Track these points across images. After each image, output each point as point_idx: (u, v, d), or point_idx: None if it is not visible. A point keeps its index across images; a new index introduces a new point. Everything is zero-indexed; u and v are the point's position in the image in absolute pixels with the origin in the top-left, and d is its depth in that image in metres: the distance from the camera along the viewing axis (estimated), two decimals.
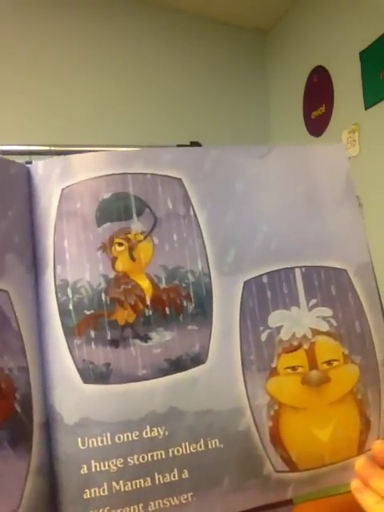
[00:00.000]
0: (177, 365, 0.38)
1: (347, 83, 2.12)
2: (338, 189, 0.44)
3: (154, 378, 0.37)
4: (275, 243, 0.41)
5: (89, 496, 0.35)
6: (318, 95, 2.22)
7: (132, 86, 2.30)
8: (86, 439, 0.36)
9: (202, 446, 0.37)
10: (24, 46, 2.11)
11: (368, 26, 2.00)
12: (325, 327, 0.41)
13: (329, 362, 0.41)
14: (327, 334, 0.41)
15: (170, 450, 0.37)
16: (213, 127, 2.23)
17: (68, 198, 0.39)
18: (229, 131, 2.24)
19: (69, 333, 0.37)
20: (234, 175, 0.42)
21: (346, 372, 0.41)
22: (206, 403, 0.38)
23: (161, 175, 0.40)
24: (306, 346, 0.40)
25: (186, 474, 0.37)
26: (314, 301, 0.41)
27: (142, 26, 2.38)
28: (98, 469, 0.36)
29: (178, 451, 0.37)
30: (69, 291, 0.38)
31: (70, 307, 0.37)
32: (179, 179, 0.40)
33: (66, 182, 0.39)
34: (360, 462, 0.39)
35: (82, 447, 0.36)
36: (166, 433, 0.37)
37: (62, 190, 0.39)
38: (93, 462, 0.36)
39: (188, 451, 0.37)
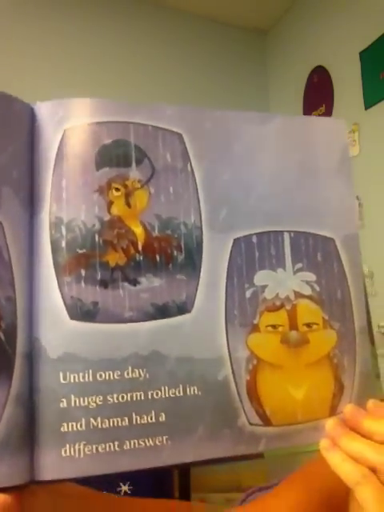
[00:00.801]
0: (163, 311, 0.39)
1: (347, 83, 2.14)
2: (333, 161, 0.46)
3: (140, 321, 0.38)
4: (267, 206, 0.43)
5: (66, 430, 0.36)
6: (318, 95, 2.24)
7: (132, 85, 2.32)
8: (67, 374, 0.36)
9: (181, 391, 0.38)
10: (24, 45, 2.11)
11: (368, 26, 2.04)
12: (307, 291, 0.43)
13: (308, 325, 0.42)
14: (309, 297, 0.43)
15: (150, 393, 0.37)
16: None
17: (69, 140, 0.39)
18: None
19: (59, 269, 0.38)
20: (233, 137, 0.43)
21: (324, 336, 0.43)
22: (187, 350, 0.39)
23: (162, 128, 0.41)
24: (287, 307, 0.42)
25: (163, 418, 0.37)
26: (299, 265, 0.43)
27: (142, 25, 2.40)
28: (77, 404, 0.36)
29: (157, 394, 0.38)
30: (63, 229, 0.38)
31: (63, 245, 0.38)
32: (180, 134, 0.41)
33: (68, 124, 0.40)
34: (331, 423, 0.40)
35: (63, 381, 0.36)
36: (147, 375, 0.38)
37: (65, 131, 0.39)
38: (72, 396, 0.36)
39: (167, 395, 0.38)
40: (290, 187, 0.44)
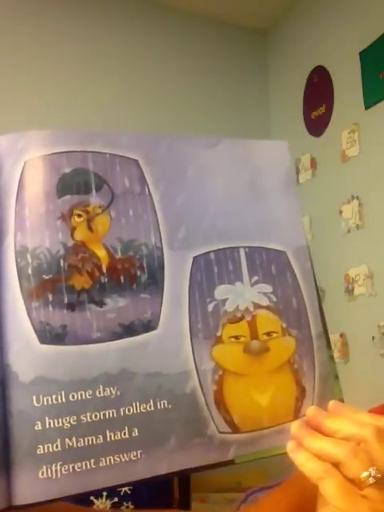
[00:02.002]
0: (129, 329, 0.40)
1: (347, 83, 2.13)
2: (278, 180, 0.49)
3: (108, 340, 0.40)
4: (222, 224, 0.45)
5: (42, 452, 0.37)
6: (318, 95, 2.24)
7: (132, 85, 2.29)
8: (40, 397, 0.38)
9: (152, 406, 0.40)
10: (23, 45, 2.08)
11: (368, 26, 2.03)
12: (265, 302, 0.45)
13: (268, 334, 0.45)
14: (267, 308, 0.45)
15: (121, 409, 0.39)
16: (213, 127, 2.23)
17: (30, 170, 0.41)
18: (229, 131, 2.23)
19: (27, 295, 0.39)
20: (186, 161, 0.46)
21: (284, 343, 0.45)
22: (155, 366, 0.40)
23: (119, 155, 0.43)
24: (248, 318, 0.44)
25: (135, 433, 0.39)
26: (256, 278, 0.45)
27: (142, 25, 2.38)
28: (51, 425, 0.37)
29: (128, 410, 0.39)
30: (28, 256, 0.40)
31: (29, 271, 0.39)
32: (136, 160, 0.44)
33: (28, 155, 0.41)
34: (295, 425, 0.42)
35: (36, 404, 0.37)
36: (118, 392, 0.39)
37: (25, 162, 0.41)
38: (47, 418, 0.37)
39: (138, 411, 0.39)
40: (241, 206, 0.47)
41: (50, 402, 0.38)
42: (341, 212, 1.96)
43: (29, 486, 0.36)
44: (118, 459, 0.38)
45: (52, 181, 0.41)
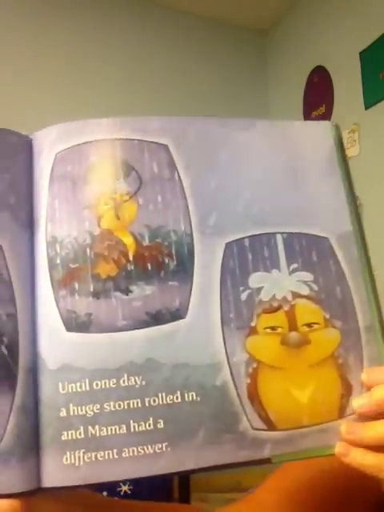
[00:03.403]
0: (156, 318, 0.40)
1: (347, 83, 2.15)
2: (320, 162, 0.46)
3: (133, 329, 0.39)
4: (257, 210, 0.43)
5: (66, 438, 0.37)
6: (318, 95, 2.24)
7: (132, 85, 2.33)
8: (66, 384, 0.38)
9: (179, 397, 0.38)
10: (23, 46, 2.17)
11: (368, 26, 2.05)
12: (305, 291, 0.42)
13: (309, 325, 0.42)
14: (308, 297, 0.42)
15: (146, 400, 0.38)
16: None
17: (60, 162, 0.42)
18: None
19: (56, 285, 0.40)
20: (219, 145, 0.44)
21: (327, 336, 0.42)
22: (183, 357, 0.39)
23: (148, 141, 0.43)
24: (286, 308, 0.42)
25: (161, 425, 0.38)
26: (294, 265, 0.43)
27: (142, 25, 2.43)
28: (75, 413, 0.37)
29: (154, 401, 0.38)
30: (57, 247, 0.40)
31: (58, 261, 0.40)
32: (165, 145, 0.43)
33: (59, 148, 0.42)
34: (344, 425, 0.39)
35: (61, 391, 0.38)
36: (143, 382, 0.38)
37: (56, 154, 0.42)
38: (71, 406, 0.37)
39: (164, 402, 0.38)
40: (279, 191, 0.44)
41: (74, 390, 0.38)
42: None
43: (54, 470, 0.37)
44: (142, 451, 0.37)
45: (80, 171, 0.42)
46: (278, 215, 0.44)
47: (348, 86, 2.16)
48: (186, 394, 0.38)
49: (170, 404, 0.38)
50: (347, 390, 0.41)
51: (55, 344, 0.39)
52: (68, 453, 0.37)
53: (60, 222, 0.41)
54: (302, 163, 0.46)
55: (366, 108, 2.05)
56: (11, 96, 2.07)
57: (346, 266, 0.44)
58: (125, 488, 0.51)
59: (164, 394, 0.38)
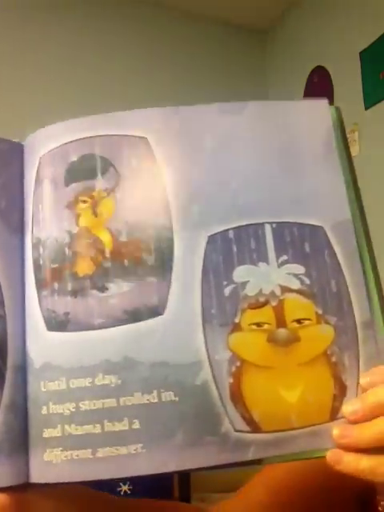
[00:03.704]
0: (134, 315, 0.39)
1: (347, 83, 2.15)
2: (317, 145, 0.43)
3: (110, 326, 0.38)
4: (245, 199, 0.41)
5: (47, 436, 0.37)
6: (318, 95, 2.23)
7: (131, 85, 2.35)
8: (46, 382, 0.38)
9: (156, 397, 0.37)
10: (23, 46, 2.21)
11: (368, 25, 2.06)
12: (296, 285, 0.40)
13: (299, 321, 0.39)
14: (298, 291, 0.40)
15: (121, 399, 0.37)
16: None
17: (44, 165, 0.42)
18: None
19: (39, 285, 0.40)
20: (205, 132, 0.42)
21: (319, 332, 0.39)
22: (161, 355, 0.38)
23: (126, 135, 0.42)
24: (273, 303, 0.39)
25: (136, 425, 0.37)
26: (284, 257, 0.40)
27: (142, 26, 2.44)
28: (54, 411, 0.38)
29: (129, 401, 0.37)
30: (41, 248, 0.41)
31: (41, 262, 0.40)
32: (145, 138, 0.42)
33: (43, 150, 0.42)
34: (336, 429, 0.36)
35: (43, 389, 0.38)
36: (119, 381, 0.38)
37: (40, 157, 0.42)
38: (51, 404, 0.38)
39: (140, 402, 0.37)
40: (270, 176, 0.42)
41: (53, 388, 0.38)
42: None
43: (37, 466, 0.38)
44: (116, 451, 0.36)
45: (61, 171, 0.42)
46: (268, 204, 0.41)
47: (348, 85, 2.17)
48: (163, 394, 0.37)
49: (147, 404, 0.37)
50: (341, 391, 0.38)
51: (38, 343, 0.39)
52: (47, 450, 0.37)
53: (43, 224, 0.41)
54: (298, 146, 0.43)
55: (366, 108, 2.06)
56: (11, 97, 2.12)
57: (342, 257, 0.40)
58: (125, 488, 0.51)
59: (140, 394, 0.37)
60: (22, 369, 0.39)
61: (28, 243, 0.41)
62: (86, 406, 0.37)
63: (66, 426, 0.37)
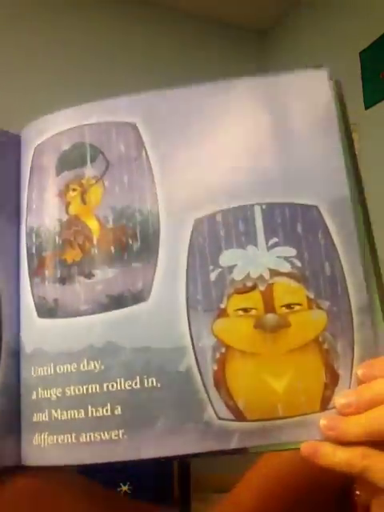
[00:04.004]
0: (118, 301, 0.39)
1: (347, 83, 2.06)
2: (313, 118, 0.40)
3: (95, 313, 0.39)
4: (233, 179, 0.40)
5: (36, 420, 0.39)
6: None
7: (131, 86, 2.31)
8: (36, 368, 0.39)
9: (138, 383, 0.37)
10: (25, 46, 2.24)
11: (368, 25, 2.07)
12: (286, 268, 0.38)
13: (289, 306, 0.37)
14: (289, 275, 0.38)
15: (105, 385, 0.37)
16: None
17: (38, 154, 0.43)
18: None
19: (31, 273, 0.41)
20: (193, 114, 0.41)
21: (310, 318, 0.37)
22: (144, 340, 0.38)
23: (115, 122, 0.42)
24: (261, 288, 0.38)
25: (118, 411, 0.37)
26: (274, 239, 0.38)
27: (142, 26, 2.44)
28: (42, 396, 0.39)
29: (112, 386, 0.37)
30: (34, 236, 0.42)
31: (34, 251, 0.42)
32: (134, 124, 0.42)
33: (37, 141, 0.44)
34: (324, 420, 0.35)
35: (33, 374, 0.39)
36: (102, 367, 0.38)
37: (35, 148, 0.44)
38: (39, 389, 0.39)
39: (122, 387, 0.37)
40: (261, 156, 0.40)
41: (41, 374, 0.39)
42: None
43: (28, 450, 0.39)
44: (99, 437, 0.37)
45: (53, 160, 0.43)
46: (257, 184, 0.40)
47: (348, 85, 2.05)
48: (145, 380, 0.37)
49: (129, 390, 0.37)
50: (333, 380, 0.36)
51: (30, 329, 0.41)
52: (36, 434, 0.38)
53: (36, 212, 0.42)
54: (292, 121, 0.41)
55: (366, 108, 2.07)
56: (12, 97, 2.15)
57: (338, 238, 0.38)
58: (125, 488, 0.51)
59: (123, 379, 0.37)
60: (17, 354, 0.41)
61: (23, 231, 0.43)
62: (71, 391, 0.38)
63: (53, 411, 0.38)
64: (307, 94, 0.41)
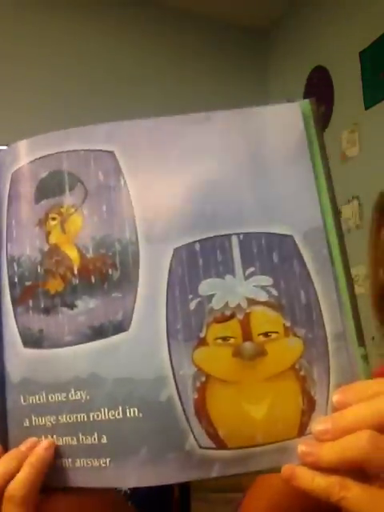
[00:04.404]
0: (99, 332, 0.40)
1: (347, 83, 2.16)
2: (287, 150, 0.41)
3: (78, 343, 0.40)
4: (211, 209, 0.40)
5: None
6: (318, 95, 2.35)
7: (131, 86, 2.37)
8: (26, 396, 0.41)
9: (120, 413, 0.38)
10: (24, 46, 2.24)
11: (368, 26, 2.08)
12: (263, 297, 0.39)
13: (266, 334, 0.38)
14: (265, 304, 0.39)
15: (91, 414, 0.39)
16: None
17: (15, 182, 0.44)
18: None
19: (15, 302, 0.42)
20: (171, 143, 0.42)
21: (287, 346, 0.38)
22: (126, 371, 0.39)
23: (93, 150, 0.42)
24: (239, 316, 0.39)
25: (104, 439, 0.38)
26: (251, 269, 0.39)
27: (142, 26, 2.45)
28: (36, 423, 0.40)
29: (97, 416, 0.39)
30: (15, 265, 0.43)
31: (16, 280, 0.42)
32: (111, 152, 0.42)
33: (14, 167, 0.44)
34: (302, 445, 0.36)
35: (23, 403, 0.41)
36: (88, 397, 0.39)
37: (11, 174, 0.44)
38: (33, 416, 0.40)
39: (107, 417, 0.38)
40: (237, 185, 0.41)
41: (34, 402, 0.40)
42: (341, 212, 1.88)
43: None
44: (90, 463, 0.38)
45: (31, 188, 0.43)
46: (235, 214, 0.40)
47: (348, 86, 2.19)
48: (128, 410, 0.38)
49: (113, 420, 0.38)
50: (309, 406, 0.37)
51: (15, 359, 0.42)
52: None
53: (16, 241, 0.43)
54: (266, 152, 0.41)
55: (366, 108, 2.08)
56: (11, 97, 2.17)
57: (312, 267, 0.39)
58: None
59: (107, 410, 0.39)
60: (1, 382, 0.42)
61: (3, 261, 0.43)
62: (63, 419, 0.39)
63: (49, 437, 0.39)
64: (281, 126, 0.42)
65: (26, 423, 0.41)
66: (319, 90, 2.34)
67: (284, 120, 0.42)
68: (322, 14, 2.38)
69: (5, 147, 0.46)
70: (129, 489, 0.55)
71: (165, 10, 2.53)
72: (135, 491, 0.56)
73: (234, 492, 0.55)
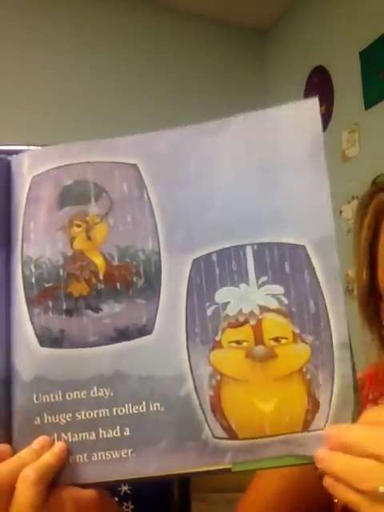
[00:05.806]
0: (124, 334, 0.44)
1: (347, 83, 2.22)
2: (302, 152, 0.44)
3: (103, 344, 0.44)
4: (227, 220, 0.45)
5: None
6: (318, 95, 2.32)
7: (131, 86, 2.41)
8: (39, 395, 0.44)
9: (144, 408, 0.43)
10: (25, 45, 2.24)
11: (368, 26, 2.11)
12: (274, 305, 0.44)
13: (276, 339, 0.44)
14: (276, 311, 0.44)
15: (114, 409, 0.43)
16: None
17: (36, 186, 0.46)
18: None
19: (30, 302, 0.45)
20: (187, 155, 0.46)
21: (295, 351, 0.43)
22: (149, 369, 0.43)
23: (117, 162, 0.46)
24: (252, 322, 0.44)
25: (127, 432, 0.43)
26: (264, 278, 0.44)
27: (142, 26, 2.50)
28: (49, 421, 0.43)
29: (121, 411, 0.43)
30: (32, 266, 0.45)
31: (32, 280, 0.45)
32: (134, 165, 0.46)
33: (35, 172, 0.46)
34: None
35: (35, 401, 0.44)
36: (111, 393, 0.43)
37: (32, 178, 0.46)
38: (45, 414, 0.43)
39: (130, 412, 0.43)
40: (252, 195, 0.45)
41: (47, 400, 0.43)
42: (341, 212, 2.01)
43: None
44: (109, 455, 0.43)
45: (54, 194, 0.46)
46: (250, 223, 0.44)
47: (348, 86, 2.23)
48: (151, 405, 0.43)
49: (136, 413, 0.43)
50: (314, 406, 0.43)
51: (29, 358, 0.44)
52: None
53: (34, 243, 0.45)
54: (281, 157, 0.45)
55: (366, 108, 2.12)
56: (12, 96, 2.15)
57: (322, 277, 0.44)
58: (125, 488, 0.57)
59: (130, 404, 0.43)
60: (7, 381, 0.44)
61: (17, 260, 0.46)
62: (81, 415, 0.43)
63: (63, 434, 0.43)
64: (297, 123, 0.45)
65: (37, 421, 0.43)
66: (319, 90, 2.36)
67: (301, 117, 0.45)
68: (321, 14, 2.41)
69: (25, 147, 0.49)
70: (129, 489, 0.59)
71: (165, 10, 2.53)
72: (135, 491, 0.60)
73: (234, 492, 0.60)
